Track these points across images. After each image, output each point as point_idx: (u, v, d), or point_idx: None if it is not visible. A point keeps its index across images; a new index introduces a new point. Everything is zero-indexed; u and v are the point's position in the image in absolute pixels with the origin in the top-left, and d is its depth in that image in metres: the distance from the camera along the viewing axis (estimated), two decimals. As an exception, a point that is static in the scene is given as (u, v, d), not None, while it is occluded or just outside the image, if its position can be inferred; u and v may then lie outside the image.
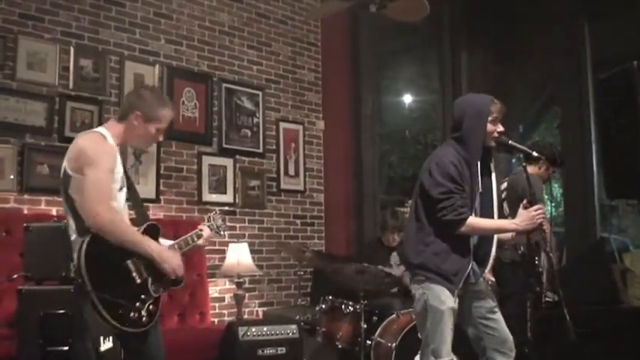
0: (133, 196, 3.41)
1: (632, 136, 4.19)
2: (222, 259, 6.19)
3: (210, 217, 3.82)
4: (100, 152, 3.18)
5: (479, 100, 3.70)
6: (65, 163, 3.22)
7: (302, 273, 6.38)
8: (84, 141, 3.23)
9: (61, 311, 2.98)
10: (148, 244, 3.22)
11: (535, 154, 3.73)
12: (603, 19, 7.05)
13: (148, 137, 3.40)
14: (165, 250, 3.32)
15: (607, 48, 6.99)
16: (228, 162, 6.56)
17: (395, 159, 9.48)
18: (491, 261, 3.72)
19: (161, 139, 3.49)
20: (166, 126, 3.44)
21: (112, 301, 3.01)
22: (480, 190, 3.65)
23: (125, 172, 3.37)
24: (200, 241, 3.66)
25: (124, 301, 3.08)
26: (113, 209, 3.16)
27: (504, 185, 4.98)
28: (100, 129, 3.34)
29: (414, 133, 9.53)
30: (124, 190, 3.33)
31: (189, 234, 3.64)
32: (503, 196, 4.91)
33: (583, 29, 7.11)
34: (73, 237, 3.14)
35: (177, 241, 3.53)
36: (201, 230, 3.69)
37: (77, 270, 2.99)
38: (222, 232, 3.80)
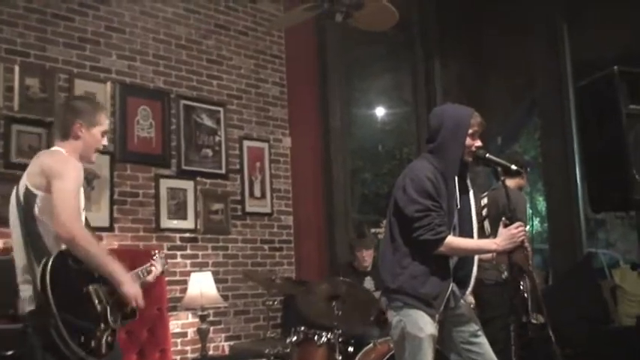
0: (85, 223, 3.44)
1: (617, 146, 4.23)
2: (184, 291, 6.15)
3: (156, 257, 3.88)
4: (67, 166, 3.23)
5: (459, 111, 3.71)
6: (26, 182, 3.24)
7: (271, 303, 6.35)
8: (48, 157, 3.30)
9: (10, 352, 2.95)
10: (116, 267, 3.24)
11: (514, 167, 3.76)
12: (583, 22, 7.16)
13: (97, 143, 3.47)
14: (129, 276, 3.35)
15: (588, 53, 7.10)
16: (188, 185, 6.53)
17: (368, 176, 9.48)
18: (472, 282, 3.73)
19: (105, 143, 3.54)
20: (107, 128, 3.55)
21: (76, 324, 3.02)
22: (459, 206, 3.68)
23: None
24: (149, 277, 3.69)
25: (87, 325, 3.09)
26: (83, 226, 3.19)
27: (484, 201, 5.02)
28: (54, 149, 3.40)
29: (387, 148, 9.55)
30: (84, 212, 3.37)
31: (138, 268, 3.67)
32: (484, 213, 4.94)
33: (562, 34, 7.23)
34: (33, 263, 3.13)
35: (129, 274, 3.53)
36: (151, 265, 3.72)
37: (41, 289, 2.98)
38: (164, 272, 3.85)
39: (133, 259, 4.97)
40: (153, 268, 3.72)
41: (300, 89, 7.52)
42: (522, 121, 8.59)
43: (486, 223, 4.91)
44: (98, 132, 3.47)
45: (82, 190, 3.32)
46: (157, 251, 3.96)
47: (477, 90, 8.02)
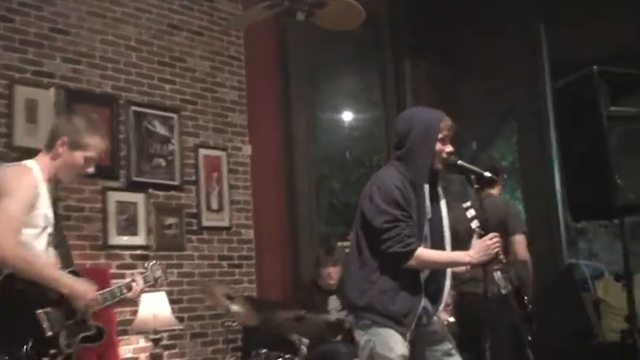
0: (57, 240, 3.46)
1: (598, 150, 4.28)
2: (135, 313, 6.10)
3: (147, 266, 3.83)
4: (18, 183, 3.26)
5: (428, 115, 3.75)
6: None
7: (230, 324, 6.31)
8: (4, 172, 3.32)
9: None
10: (58, 278, 3.25)
11: (487, 174, 3.77)
12: (560, 22, 7.24)
13: (76, 167, 3.48)
14: (80, 284, 3.34)
15: (566, 53, 7.18)
16: (139, 198, 6.50)
17: (335, 185, 9.45)
18: (444, 297, 3.75)
19: (91, 170, 3.55)
20: (96, 156, 3.53)
21: (19, 354, 3.01)
22: (429, 216, 3.69)
23: (56, 212, 3.45)
24: (130, 294, 3.65)
25: (32, 354, 3.06)
26: (20, 243, 3.19)
27: (471, 213, 4.93)
28: (28, 161, 3.43)
29: (356, 155, 9.52)
30: (48, 231, 3.36)
31: (117, 284, 3.63)
32: (473, 225, 4.90)
33: (539, 34, 7.30)
34: None
35: (101, 292, 3.52)
36: (133, 281, 3.68)
37: None
38: (160, 285, 3.79)
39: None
40: (134, 284, 3.67)
41: (260, 93, 7.50)
42: (498, 124, 8.65)
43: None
44: (81, 156, 3.46)
45: (44, 208, 3.34)
46: (150, 262, 3.89)
47: (450, 92, 8.07)
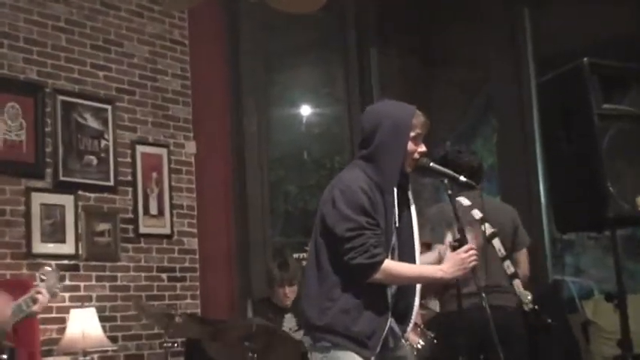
0: None
1: (587, 152, 4.29)
2: (62, 331, 6.07)
3: (41, 274, 3.76)
4: None
5: (399, 109, 3.75)
6: None
7: (171, 345, 6.25)
8: None
9: None
10: None
11: (463, 179, 3.78)
12: (547, 7, 7.29)
13: None
14: None
15: (553, 43, 7.23)
16: (67, 200, 6.46)
17: (292, 189, 9.45)
18: (413, 317, 3.75)
19: None
20: None
21: None
22: (398, 224, 3.70)
23: None
24: (35, 307, 3.60)
25: None
26: None
27: (476, 213, 4.91)
28: None
29: (315, 156, 9.53)
30: None
31: (21, 298, 3.57)
32: (487, 231, 4.89)
33: (523, 21, 7.34)
34: None
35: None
36: (37, 292, 3.62)
37: None
38: (55, 293, 3.73)
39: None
40: (39, 296, 3.62)
41: (207, 83, 7.49)
42: (476, 122, 8.69)
43: (497, 243, 4.87)
44: None
45: None
46: (44, 269, 3.83)
47: (422, 85, 8.12)
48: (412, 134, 3.68)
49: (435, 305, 5.52)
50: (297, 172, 9.42)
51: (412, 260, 3.74)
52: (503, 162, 7.62)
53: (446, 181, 3.81)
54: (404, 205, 3.75)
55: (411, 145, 3.68)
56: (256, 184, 7.56)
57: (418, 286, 3.75)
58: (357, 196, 3.56)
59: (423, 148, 3.74)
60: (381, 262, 3.51)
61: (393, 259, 3.66)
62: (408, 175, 3.77)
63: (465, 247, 3.63)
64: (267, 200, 7.73)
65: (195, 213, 7.40)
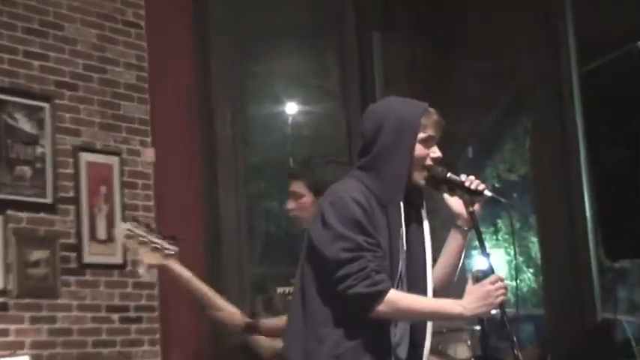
0: None
1: (640, 156, 4.25)
2: (-11, 386, 6.04)
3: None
4: None
5: (405, 106, 3.73)
6: None
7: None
8: None
9: None
10: None
11: (488, 193, 3.72)
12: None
13: None
14: None
15: (597, 25, 7.22)
16: (-7, 221, 6.46)
17: (275, 206, 9.46)
18: (424, 362, 3.73)
19: None
20: None
21: None
22: (405, 247, 3.63)
23: None
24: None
25: None
26: None
27: None
28: None
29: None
30: None
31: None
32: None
33: (563, 1, 7.33)
34: None
35: None
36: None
37: None
38: None
39: None
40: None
41: (168, 75, 7.47)
42: (505, 122, 8.71)
43: None
44: None
45: None
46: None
47: (436, 78, 8.12)
48: (422, 136, 3.63)
49: (455, 350, 5.50)
50: (282, 184, 9.39)
51: (423, 292, 3.70)
52: (538, 172, 7.63)
53: (466, 196, 3.76)
54: (414, 223, 3.72)
55: (420, 150, 3.64)
56: (230, 200, 7.56)
57: (430, 325, 3.72)
58: (352, 210, 3.51)
59: (436, 154, 3.69)
60: (385, 291, 3.45)
61: (400, 289, 3.59)
62: (421, 188, 3.75)
63: (492, 278, 3.55)
64: (245, 220, 7.77)
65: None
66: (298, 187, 5.07)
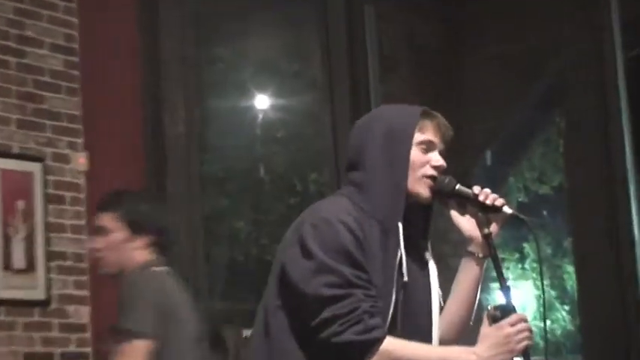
0: None
1: None
2: None
3: None
4: None
5: (397, 110, 3.82)
6: None
7: None
8: None
9: None
10: None
11: (509, 210, 3.73)
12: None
13: None
14: None
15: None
16: None
17: (242, 226, 9.47)
18: None
19: None
20: None
21: None
22: (406, 279, 3.63)
23: None
24: None
25: None
26: None
27: None
28: None
29: (278, 173, 9.57)
30: None
31: None
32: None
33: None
34: None
35: None
36: None
37: None
38: None
39: None
40: None
41: (106, 60, 7.52)
42: (533, 121, 8.73)
43: None
44: None
45: None
46: None
47: (446, 64, 8.10)
48: (419, 138, 3.66)
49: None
50: (250, 199, 9.42)
51: (428, 338, 3.71)
52: (574, 183, 7.64)
53: (480, 213, 3.76)
54: (415, 252, 3.72)
55: (417, 155, 3.65)
56: (183, 220, 7.54)
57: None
58: (337, 234, 3.48)
59: (437, 162, 3.68)
60: (381, 339, 3.43)
61: (395, 335, 3.55)
62: (429, 203, 3.76)
63: (512, 318, 3.54)
64: (201, 243, 7.75)
65: (87, 266, 7.35)
66: (107, 220, 5.12)
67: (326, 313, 3.42)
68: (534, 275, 15.54)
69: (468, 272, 3.86)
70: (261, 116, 9.19)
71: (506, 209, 3.73)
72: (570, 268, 8.33)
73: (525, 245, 15.52)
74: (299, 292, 3.50)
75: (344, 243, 3.48)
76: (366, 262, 3.50)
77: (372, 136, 3.68)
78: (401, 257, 3.60)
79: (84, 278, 7.34)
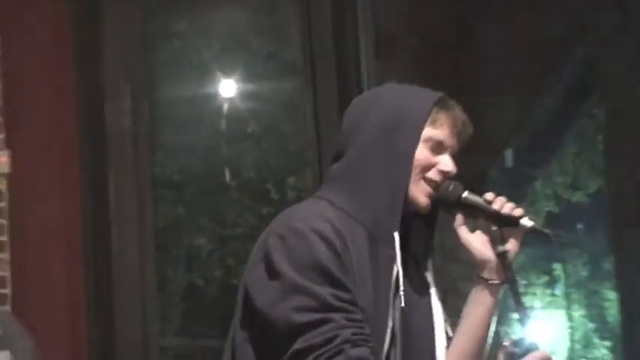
0: None
1: None
2: None
3: None
4: None
5: (405, 94, 3.76)
6: None
7: None
8: None
9: None
10: None
11: (529, 223, 3.67)
12: None
13: None
14: None
15: None
16: None
17: (203, 243, 9.47)
18: None
19: None
20: None
21: None
22: (403, 303, 3.60)
23: None
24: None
25: None
26: None
27: None
28: None
29: (248, 178, 9.58)
30: None
31: None
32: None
33: None
34: None
35: None
36: None
37: None
38: None
39: None
40: None
41: (30, 39, 7.55)
42: (564, 114, 8.74)
43: None
44: None
45: None
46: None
47: (456, 44, 8.08)
48: (429, 133, 3.60)
49: None
50: (213, 209, 9.42)
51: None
52: (617, 188, 7.65)
53: (494, 227, 3.73)
54: (417, 271, 3.73)
55: (423, 154, 3.60)
56: (129, 234, 7.61)
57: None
58: (311, 246, 3.44)
59: (447, 166, 3.64)
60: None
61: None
62: (434, 211, 3.72)
63: (537, 356, 3.55)
64: (152, 266, 7.78)
65: (8, 291, 7.39)
66: None
67: (298, 344, 3.39)
68: (567, 303, 15.49)
69: (479, 303, 3.80)
70: (226, 106, 9.18)
71: (525, 221, 3.64)
72: (612, 295, 8.34)
73: (556, 266, 15.48)
74: (265, 319, 3.46)
75: (318, 256, 3.43)
76: (349, 278, 3.45)
77: (370, 120, 3.64)
78: (397, 275, 3.58)
79: (6, 308, 7.35)
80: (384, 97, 3.74)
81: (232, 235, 9.37)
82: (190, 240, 9.17)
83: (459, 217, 3.73)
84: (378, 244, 3.55)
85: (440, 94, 3.68)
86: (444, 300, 3.85)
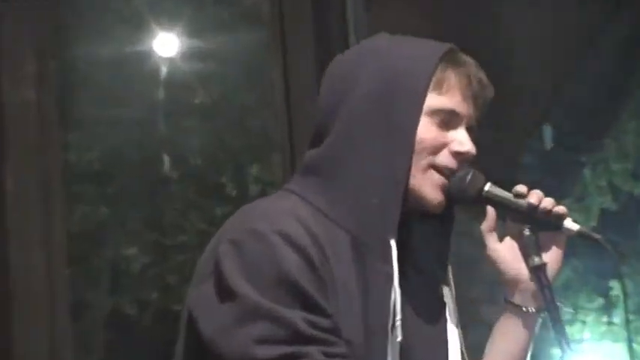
0: None
1: None
2: None
3: None
4: None
5: (402, 48, 3.66)
6: None
7: None
8: None
9: None
10: None
11: (572, 225, 3.56)
12: None
13: None
14: None
15: None
16: None
17: (133, 253, 9.49)
18: None
19: None
20: None
21: None
22: (397, 323, 3.49)
23: None
24: None
25: None
26: None
27: None
28: None
29: (195, 166, 9.56)
30: None
31: None
32: None
33: None
34: None
35: None
36: None
37: None
38: None
39: None
40: None
41: None
42: (619, 85, 8.73)
43: None
44: None
45: None
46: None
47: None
48: (434, 103, 3.46)
49: None
50: (147, 208, 9.40)
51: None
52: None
53: (527, 231, 3.62)
54: (426, 287, 3.66)
55: (428, 131, 3.46)
56: (33, 242, 7.61)
57: None
58: (276, 255, 3.33)
59: (462, 145, 3.51)
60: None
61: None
62: (449, 209, 3.59)
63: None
64: (63, 284, 7.81)
65: None
66: None
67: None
68: (628, 333, 15.57)
69: (509, 336, 3.74)
70: (165, 70, 9.12)
71: (570, 224, 3.54)
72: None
73: (612, 286, 15.50)
74: (216, 353, 3.35)
75: (286, 268, 3.31)
76: (329, 299, 3.38)
77: (357, 88, 3.52)
78: (395, 299, 3.50)
79: None
80: (376, 55, 3.61)
81: (174, 244, 9.36)
82: (117, 251, 9.13)
83: (491, 216, 3.61)
84: (366, 255, 3.45)
85: (448, 45, 3.52)
86: (463, 327, 3.78)
